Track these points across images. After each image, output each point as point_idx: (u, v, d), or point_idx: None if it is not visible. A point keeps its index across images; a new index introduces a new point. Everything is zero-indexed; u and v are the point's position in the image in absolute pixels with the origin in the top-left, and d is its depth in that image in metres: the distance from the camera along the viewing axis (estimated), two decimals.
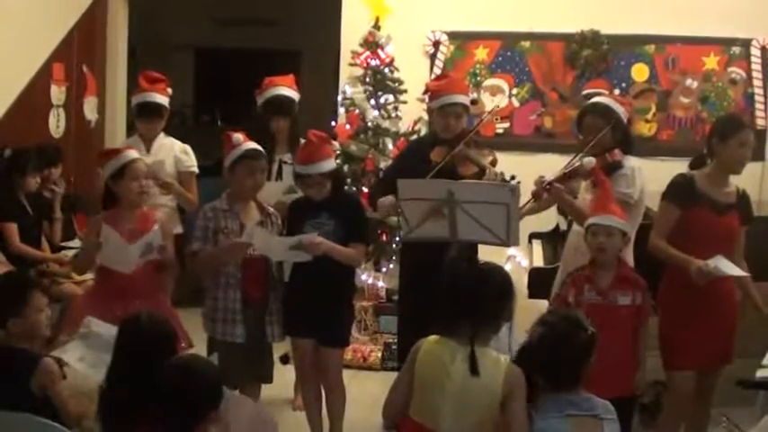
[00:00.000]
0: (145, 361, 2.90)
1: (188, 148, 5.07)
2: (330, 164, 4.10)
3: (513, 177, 4.16)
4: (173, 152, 4.99)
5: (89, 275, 5.69)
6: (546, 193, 4.14)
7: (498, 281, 3.00)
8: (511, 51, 6.74)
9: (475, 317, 2.91)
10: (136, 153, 4.23)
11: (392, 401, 3.04)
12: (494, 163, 4.38)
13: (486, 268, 3.06)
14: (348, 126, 6.35)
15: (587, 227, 3.88)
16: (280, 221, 4.21)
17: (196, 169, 5.07)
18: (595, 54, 6.57)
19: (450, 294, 2.98)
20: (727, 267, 3.77)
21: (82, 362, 3.44)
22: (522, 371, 2.89)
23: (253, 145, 4.13)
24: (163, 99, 4.96)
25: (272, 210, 4.22)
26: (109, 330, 3.43)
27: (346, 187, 5.45)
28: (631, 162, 4.16)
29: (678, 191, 4.01)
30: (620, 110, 4.21)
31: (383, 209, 4.56)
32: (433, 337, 2.97)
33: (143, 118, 4.98)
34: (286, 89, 4.95)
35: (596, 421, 2.92)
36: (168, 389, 2.72)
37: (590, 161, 4.04)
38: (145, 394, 2.80)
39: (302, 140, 4.79)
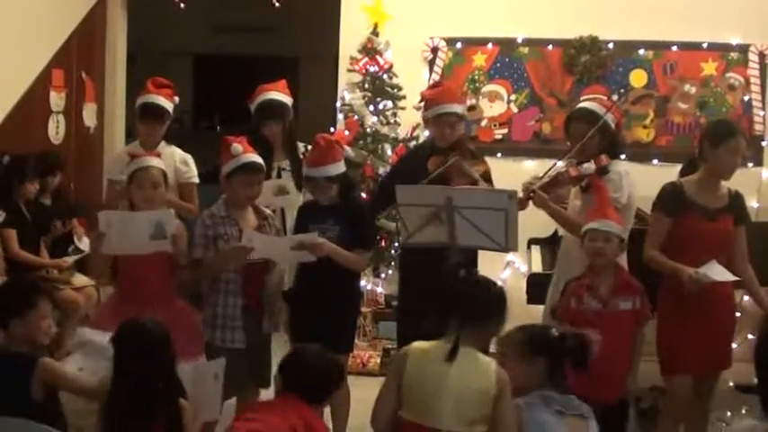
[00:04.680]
0: (143, 366, 2.92)
1: (189, 158, 4.95)
2: (337, 168, 4.08)
3: None
4: (173, 162, 4.83)
5: (88, 281, 5.74)
6: (530, 201, 4.12)
7: (490, 288, 3.10)
8: (509, 57, 6.74)
9: (462, 312, 2.98)
10: (151, 160, 4.07)
11: (381, 413, 3.08)
12: (486, 173, 4.38)
13: (481, 277, 3.17)
14: (347, 132, 6.36)
15: (585, 232, 3.88)
16: (278, 223, 4.22)
17: (197, 179, 4.97)
18: (593, 60, 6.57)
19: (442, 295, 3.07)
20: (718, 273, 3.78)
21: (81, 372, 3.43)
22: None
23: (252, 157, 4.07)
24: (166, 103, 4.84)
25: (269, 212, 4.21)
26: (103, 337, 3.42)
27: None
28: (619, 167, 4.14)
29: (667, 199, 4.01)
30: (607, 114, 4.16)
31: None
32: (418, 343, 3.04)
33: (144, 119, 4.83)
34: (276, 94, 4.82)
35: (583, 421, 2.96)
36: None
37: (588, 167, 4.04)
38: (145, 399, 2.85)
39: (300, 145, 4.79)
